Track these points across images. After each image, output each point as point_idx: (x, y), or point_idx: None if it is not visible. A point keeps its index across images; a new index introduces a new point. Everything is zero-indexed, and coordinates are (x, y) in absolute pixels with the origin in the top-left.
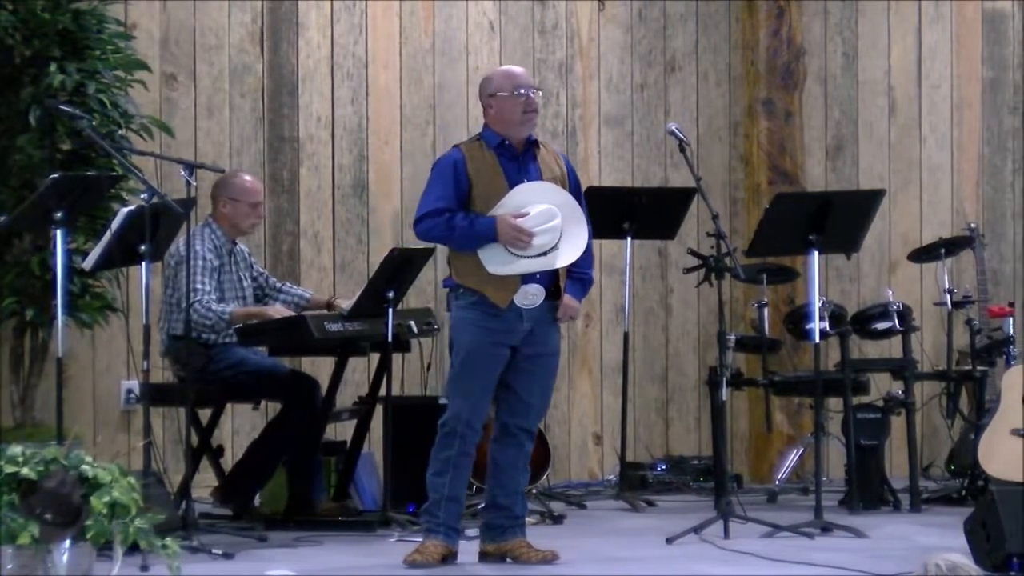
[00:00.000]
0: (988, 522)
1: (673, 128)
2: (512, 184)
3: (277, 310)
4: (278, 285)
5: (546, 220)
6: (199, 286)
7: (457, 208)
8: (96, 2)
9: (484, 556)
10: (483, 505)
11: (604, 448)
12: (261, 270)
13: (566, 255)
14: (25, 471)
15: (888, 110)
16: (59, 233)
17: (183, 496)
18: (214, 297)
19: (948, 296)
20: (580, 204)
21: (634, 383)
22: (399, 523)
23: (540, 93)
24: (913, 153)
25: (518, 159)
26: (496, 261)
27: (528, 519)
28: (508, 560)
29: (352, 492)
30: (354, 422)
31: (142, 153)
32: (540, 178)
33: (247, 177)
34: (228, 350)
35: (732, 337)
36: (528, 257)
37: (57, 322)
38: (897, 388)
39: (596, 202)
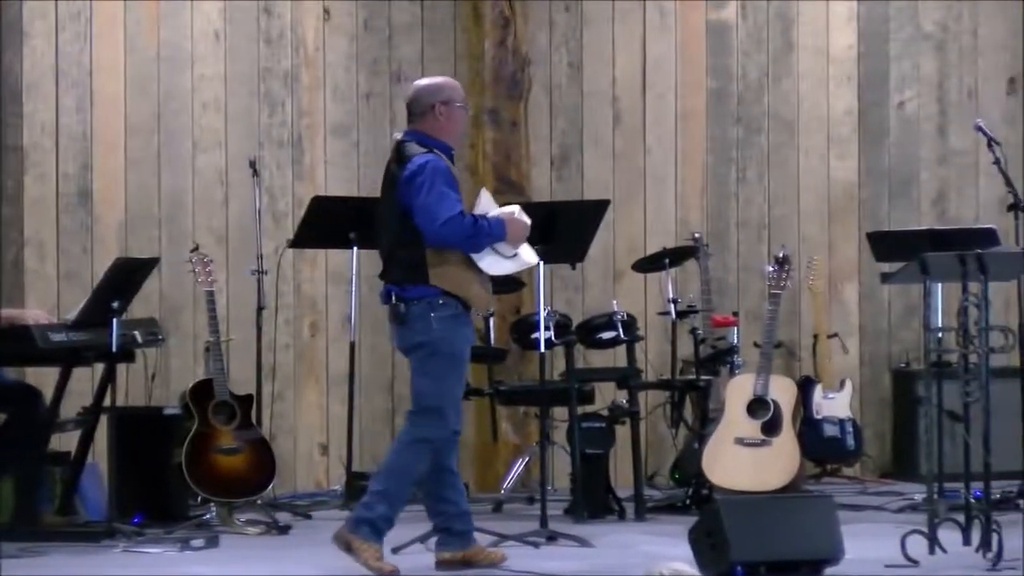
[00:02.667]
0: (712, 530)
1: (398, 138)
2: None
3: (35, 315)
4: None
5: None
6: None
7: None
8: None
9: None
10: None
11: (330, 458)
12: None
13: (528, 254)
14: None
15: (613, 120)
16: None
17: None
18: None
19: (672, 306)
20: None
21: (360, 393)
22: (124, 534)
23: None
24: (638, 163)
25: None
26: (488, 262)
27: (253, 529)
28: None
29: (77, 503)
30: (79, 432)
31: None
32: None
33: None
34: None
35: None
36: (511, 257)
37: None
38: (622, 397)
39: (322, 211)
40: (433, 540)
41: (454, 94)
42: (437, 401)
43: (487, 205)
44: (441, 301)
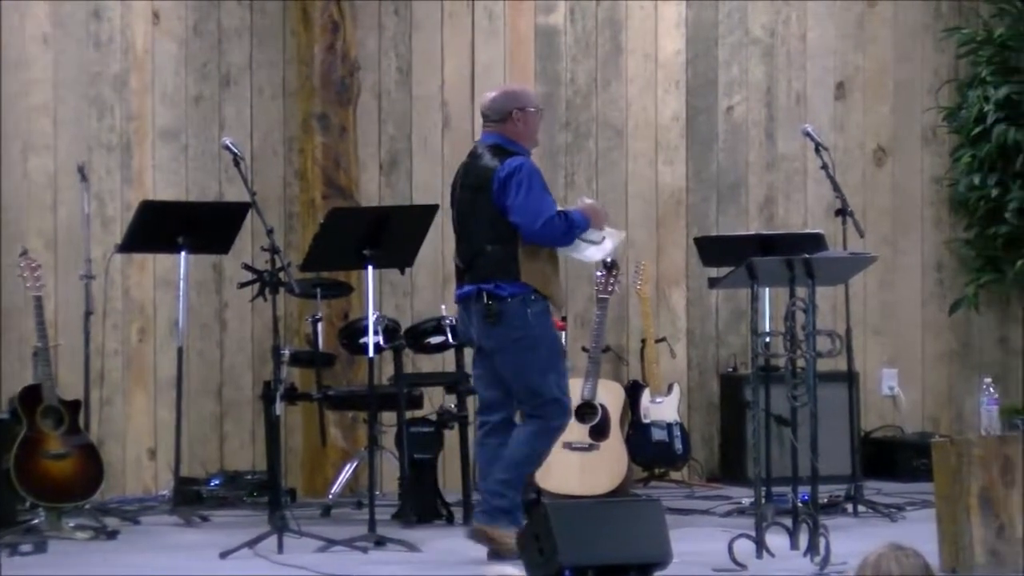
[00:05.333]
0: (541, 535)
1: (227, 142)
2: None
3: None
4: None
5: None
6: None
7: None
8: None
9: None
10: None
11: (158, 463)
12: None
13: (613, 232)
14: None
15: (442, 125)
16: None
17: None
18: None
19: None
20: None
21: (189, 398)
22: None
23: None
24: None
25: None
26: (588, 253)
27: (82, 534)
28: None
29: None
30: None
31: None
32: None
33: None
34: None
35: (287, 352)
36: (601, 241)
37: None
38: (451, 402)
39: (151, 216)
40: (263, 544)
41: (530, 99)
42: (556, 391)
43: None
44: (533, 297)
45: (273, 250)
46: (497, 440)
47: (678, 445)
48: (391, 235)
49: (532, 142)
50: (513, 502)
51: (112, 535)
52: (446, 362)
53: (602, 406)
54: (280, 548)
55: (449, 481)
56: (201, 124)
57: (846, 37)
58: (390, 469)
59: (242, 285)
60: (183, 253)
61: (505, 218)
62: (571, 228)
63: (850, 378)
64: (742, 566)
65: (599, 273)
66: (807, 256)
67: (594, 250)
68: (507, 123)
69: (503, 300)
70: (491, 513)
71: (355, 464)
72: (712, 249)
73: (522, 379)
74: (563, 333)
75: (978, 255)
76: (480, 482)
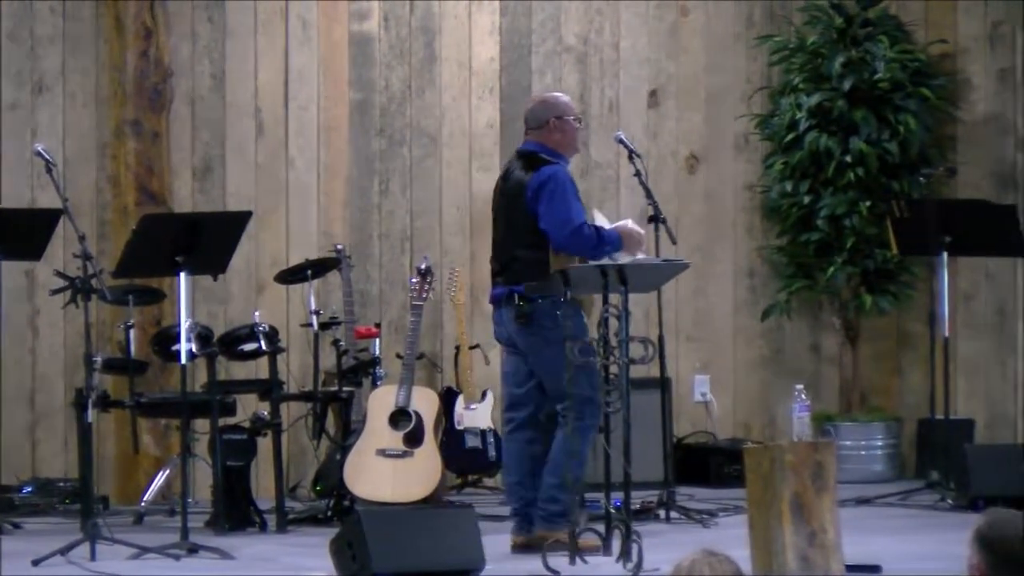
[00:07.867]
0: (353, 542)
1: (39, 149)
2: None
3: None
4: None
5: None
6: None
7: None
8: None
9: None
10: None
11: None
12: None
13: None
14: None
15: (256, 131)
16: None
17: None
18: None
19: (315, 317)
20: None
21: (1, 405)
22: None
23: None
24: (281, 175)
25: None
26: None
27: None
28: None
29: None
30: None
31: None
32: None
33: None
34: None
35: (99, 359)
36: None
37: None
38: (264, 409)
39: None
40: (75, 551)
41: (568, 108)
42: (590, 390)
43: (601, 221)
44: (563, 299)
45: (85, 257)
46: (524, 436)
47: (492, 452)
48: (204, 242)
49: (571, 150)
50: (567, 505)
51: None
52: (260, 369)
53: (416, 413)
54: (93, 555)
55: (262, 488)
56: (14, 131)
57: (659, 45)
58: (203, 476)
59: (54, 292)
60: None
61: (538, 224)
62: (601, 243)
63: (663, 384)
64: (556, 573)
65: (413, 280)
66: (620, 263)
67: None
68: (544, 131)
69: (533, 302)
70: (549, 519)
71: (168, 471)
72: None
73: (554, 378)
74: (377, 340)
75: (790, 262)
76: (506, 477)
